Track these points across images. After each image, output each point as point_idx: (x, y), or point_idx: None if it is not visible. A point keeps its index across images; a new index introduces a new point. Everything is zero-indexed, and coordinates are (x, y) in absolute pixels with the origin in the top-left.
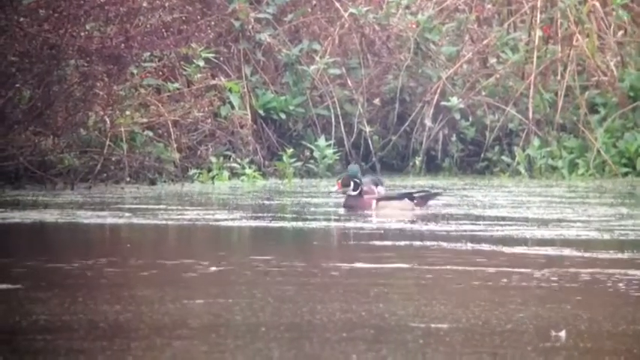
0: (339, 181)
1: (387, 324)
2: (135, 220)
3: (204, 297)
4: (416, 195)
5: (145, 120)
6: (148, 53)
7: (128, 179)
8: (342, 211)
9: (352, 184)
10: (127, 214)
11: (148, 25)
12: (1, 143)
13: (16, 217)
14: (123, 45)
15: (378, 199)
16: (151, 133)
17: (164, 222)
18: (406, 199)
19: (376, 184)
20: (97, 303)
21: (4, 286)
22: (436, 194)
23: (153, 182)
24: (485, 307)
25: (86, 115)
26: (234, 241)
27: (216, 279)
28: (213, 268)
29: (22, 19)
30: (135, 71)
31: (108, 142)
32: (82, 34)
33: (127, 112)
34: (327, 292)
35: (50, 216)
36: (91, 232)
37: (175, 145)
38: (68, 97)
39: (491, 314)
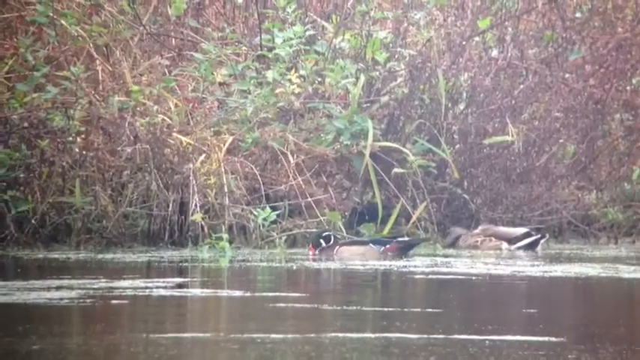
0: (310, 244)
1: None
2: None
3: None
4: (400, 240)
5: None
6: None
7: None
8: None
9: (322, 241)
10: None
11: None
12: (544, 197)
13: (557, 270)
14: None
15: (341, 245)
16: None
17: None
18: (370, 245)
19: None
20: None
21: (546, 338)
22: (418, 242)
23: None
24: None
25: (630, 168)
26: None
27: None
28: None
29: (567, 76)
30: None
31: None
32: (628, 87)
33: None
34: None
35: (592, 270)
36: (634, 288)
37: None
38: (612, 151)
39: None
